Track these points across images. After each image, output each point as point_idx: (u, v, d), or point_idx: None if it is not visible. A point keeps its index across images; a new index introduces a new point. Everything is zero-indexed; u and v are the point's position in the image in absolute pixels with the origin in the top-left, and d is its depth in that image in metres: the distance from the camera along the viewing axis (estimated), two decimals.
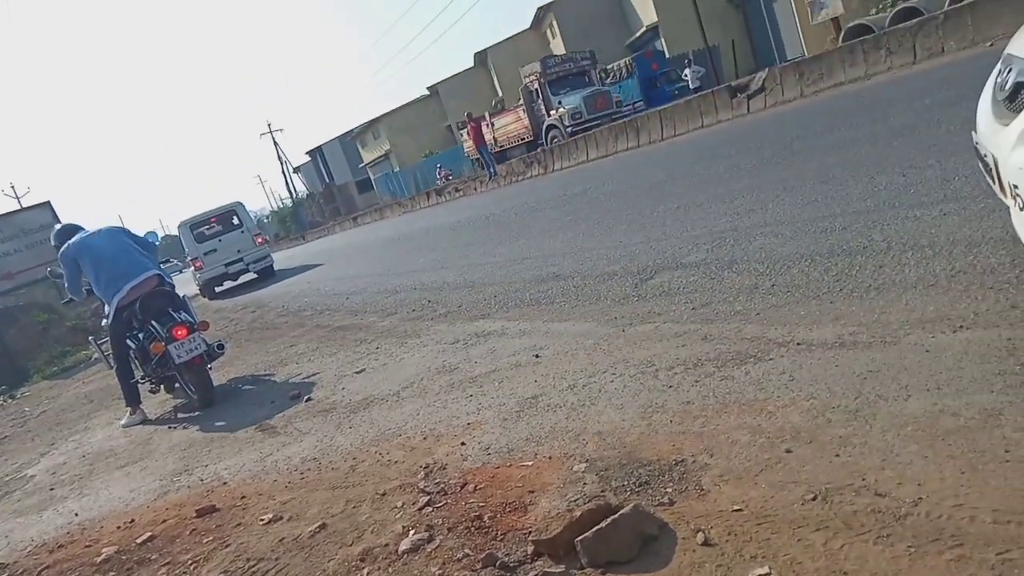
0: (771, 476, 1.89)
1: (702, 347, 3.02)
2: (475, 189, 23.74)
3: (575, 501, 2.08)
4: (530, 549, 1.93)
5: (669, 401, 2.60)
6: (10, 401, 10.34)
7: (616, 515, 1.82)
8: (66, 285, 5.79)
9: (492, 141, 25.99)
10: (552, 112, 22.98)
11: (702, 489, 1.95)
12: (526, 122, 24.53)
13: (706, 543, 1.70)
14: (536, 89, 23.56)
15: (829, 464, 1.86)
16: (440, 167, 33.30)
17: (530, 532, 2.00)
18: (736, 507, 1.80)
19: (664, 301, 3.91)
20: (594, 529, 1.81)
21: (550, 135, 22.99)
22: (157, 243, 6.27)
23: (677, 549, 1.73)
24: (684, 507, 1.90)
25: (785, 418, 2.18)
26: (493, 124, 26.29)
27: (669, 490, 2.00)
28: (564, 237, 7.19)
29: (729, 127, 13.11)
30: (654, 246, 5.26)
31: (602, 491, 2.10)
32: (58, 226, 6.02)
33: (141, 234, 6.03)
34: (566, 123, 21.94)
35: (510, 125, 25.80)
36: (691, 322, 3.40)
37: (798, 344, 2.71)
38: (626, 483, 2.10)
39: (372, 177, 50.69)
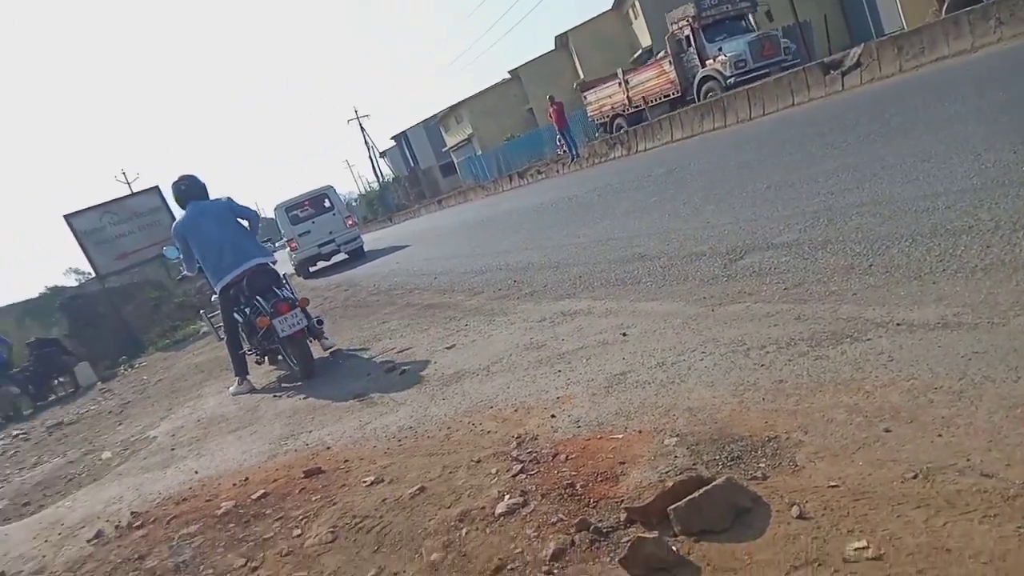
0: (869, 454, 1.89)
1: (795, 327, 2.99)
2: (557, 172, 23.72)
3: (666, 473, 2.13)
4: (622, 516, 1.99)
5: (761, 379, 2.59)
6: (130, 370, 11.19)
7: (709, 486, 1.86)
8: (181, 258, 6.16)
9: (626, 102, 23.92)
10: (708, 61, 19.83)
11: (796, 465, 1.96)
12: (672, 76, 21.35)
13: (801, 516, 1.72)
14: (688, 36, 20.29)
15: (931, 444, 1.84)
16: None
17: (622, 501, 2.06)
18: (832, 483, 1.81)
19: (755, 281, 3.86)
20: (687, 499, 1.85)
21: (704, 88, 19.92)
22: (259, 224, 6.40)
23: (771, 521, 1.75)
24: (778, 482, 1.91)
25: (884, 398, 2.15)
26: (627, 83, 23.70)
27: (762, 465, 2.02)
28: (649, 218, 7.14)
29: (822, 105, 12.61)
30: (743, 226, 5.18)
31: (693, 464, 2.13)
32: (175, 180, 5.91)
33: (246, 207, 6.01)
34: (727, 73, 18.88)
35: (650, 81, 22.61)
36: (783, 302, 3.36)
37: (898, 324, 2.65)
38: (718, 457, 2.13)
39: (455, 161, 51.27)
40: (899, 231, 3.74)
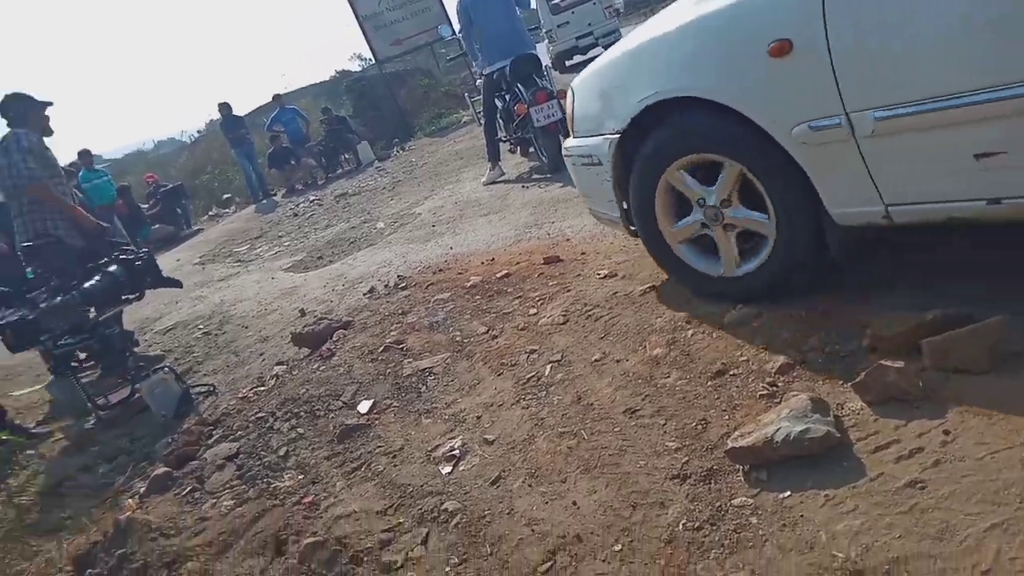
0: None
1: None
2: None
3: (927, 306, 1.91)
4: (864, 343, 1.86)
5: None
6: (402, 152, 12.32)
7: (977, 324, 1.64)
8: (461, 35, 6.47)
9: None
10: None
11: None
12: None
13: None
14: None
15: None
16: None
17: (868, 326, 1.91)
18: None
19: None
20: (946, 334, 1.66)
21: None
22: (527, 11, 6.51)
23: None
24: None
25: None
26: None
27: None
28: None
29: None
30: None
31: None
32: None
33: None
34: None
35: None
36: None
37: None
38: None
39: None
40: None
